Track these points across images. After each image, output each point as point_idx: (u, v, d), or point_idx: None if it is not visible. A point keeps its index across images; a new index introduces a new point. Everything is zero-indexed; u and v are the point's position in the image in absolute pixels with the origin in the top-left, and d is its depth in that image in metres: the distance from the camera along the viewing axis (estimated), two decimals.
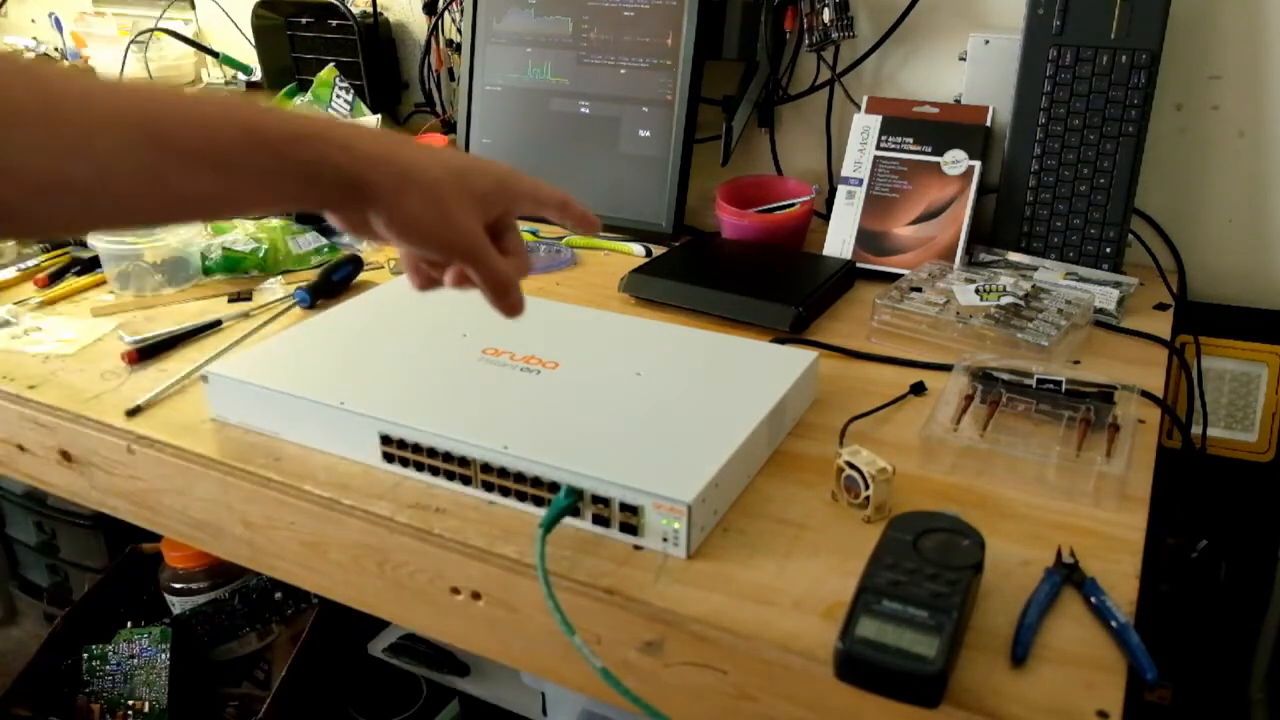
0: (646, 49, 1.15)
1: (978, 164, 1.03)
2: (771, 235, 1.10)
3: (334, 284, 1.00)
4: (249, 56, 1.50)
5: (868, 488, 0.62)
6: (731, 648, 0.54)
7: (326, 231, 1.11)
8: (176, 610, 1.29)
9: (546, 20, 1.20)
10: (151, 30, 1.53)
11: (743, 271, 1.03)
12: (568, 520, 0.62)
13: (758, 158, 1.25)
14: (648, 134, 1.16)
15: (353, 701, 1.26)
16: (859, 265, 1.03)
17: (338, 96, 1.33)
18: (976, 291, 0.90)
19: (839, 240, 1.06)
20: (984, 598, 0.55)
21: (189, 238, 1.03)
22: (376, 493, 0.67)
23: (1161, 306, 0.97)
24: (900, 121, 1.07)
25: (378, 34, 1.40)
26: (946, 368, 0.80)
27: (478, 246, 0.55)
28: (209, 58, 1.58)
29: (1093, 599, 0.55)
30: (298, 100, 1.33)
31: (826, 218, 1.09)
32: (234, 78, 1.54)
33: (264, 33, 1.42)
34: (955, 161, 1.04)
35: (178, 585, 1.28)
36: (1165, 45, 0.95)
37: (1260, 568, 1.08)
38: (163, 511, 0.77)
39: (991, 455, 0.68)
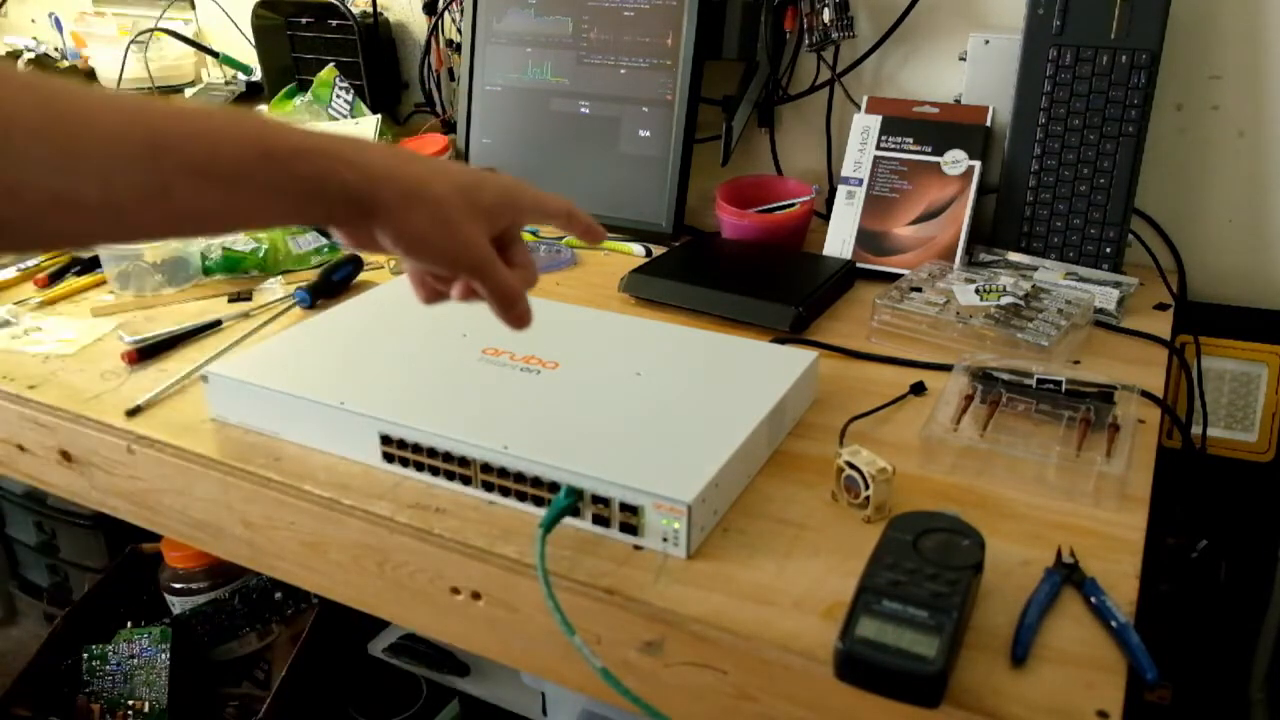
0: (646, 49, 1.15)
1: (978, 164, 1.03)
2: (771, 235, 1.10)
3: (334, 284, 1.00)
4: (249, 56, 1.50)
5: (868, 488, 0.62)
6: (731, 648, 0.54)
7: (326, 232, 1.11)
8: (176, 610, 1.29)
9: (546, 20, 1.20)
10: (151, 30, 1.53)
11: (743, 271, 1.03)
12: (568, 520, 0.62)
13: (758, 158, 1.25)
14: (648, 134, 1.16)
15: (353, 701, 1.26)
16: (859, 265, 1.03)
17: (338, 96, 1.33)
18: (976, 291, 0.90)
19: (839, 240, 1.06)
20: (984, 598, 0.55)
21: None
22: (376, 493, 0.67)
23: (1161, 306, 0.97)
24: (900, 121, 1.07)
25: (378, 34, 1.40)
26: (946, 368, 0.80)
27: (484, 261, 0.55)
28: (209, 58, 1.58)
29: (1093, 599, 0.55)
30: (298, 100, 1.33)
31: (826, 218, 1.09)
32: (234, 78, 1.54)
33: (264, 33, 1.42)
34: (955, 161, 1.04)
35: (178, 585, 1.28)
36: (1165, 45, 0.95)
37: (1260, 568, 1.08)
38: (163, 511, 0.77)
39: (991, 455, 0.68)
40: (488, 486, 0.65)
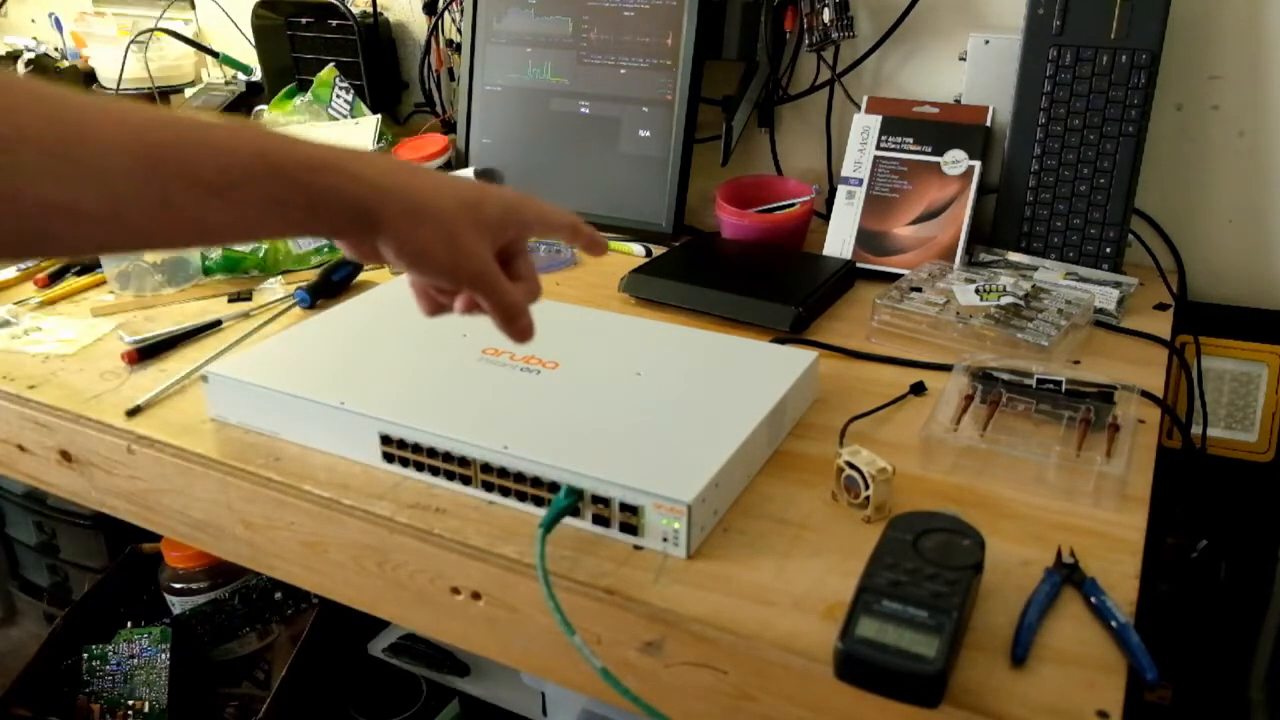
0: (646, 49, 1.15)
1: (978, 164, 1.03)
2: (771, 235, 1.10)
3: (334, 284, 1.00)
4: (249, 56, 1.50)
5: (868, 488, 0.62)
6: (731, 648, 0.54)
7: None
8: (176, 610, 1.29)
9: (546, 20, 1.20)
10: (151, 30, 1.53)
11: (743, 271, 1.03)
12: (568, 520, 0.62)
13: (758, 158, 1.25)
14: (648, 134, 1.16)
15: (353, 701, 1.26)
16: (859, 265, 1.03)
17: (338, 96, 1.33)
18: (976, 291, 0.90)
19: (839, 240, 1.06)
20: (984, 598, 0.55)
21: None
22: (376, 493, 0.67)
23: (1161, 306, 0.97)
24: (900, 121, 1.07)
25: (378, 34, 1.40)
26: (946, 368, 0.80)
27: (488, 275, 0.55)
28: (209, 58, 1.58)
29: (1093, 599, 0.55)
30: (298, 100, 1.33)
31: (826, 218, 1.09)
32: (234, 78, 1.54)
33: (264, 33, 1.42)
34: (955, 161, 1.04)
35: (178, 585, 1.29)
36: (1165, 45, 0.95)
37: (1260, 568, 1.08)
38: (163, 511, 0.77)
39: (991, 455, 0.68)
40: (488, 486, 0.65)
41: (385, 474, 0.69)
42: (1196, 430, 1.06)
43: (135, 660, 1.24)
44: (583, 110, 1.20)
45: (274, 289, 1.02)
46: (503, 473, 0.64)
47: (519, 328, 0.57)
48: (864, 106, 1.10)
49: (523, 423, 0.67)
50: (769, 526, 0.62)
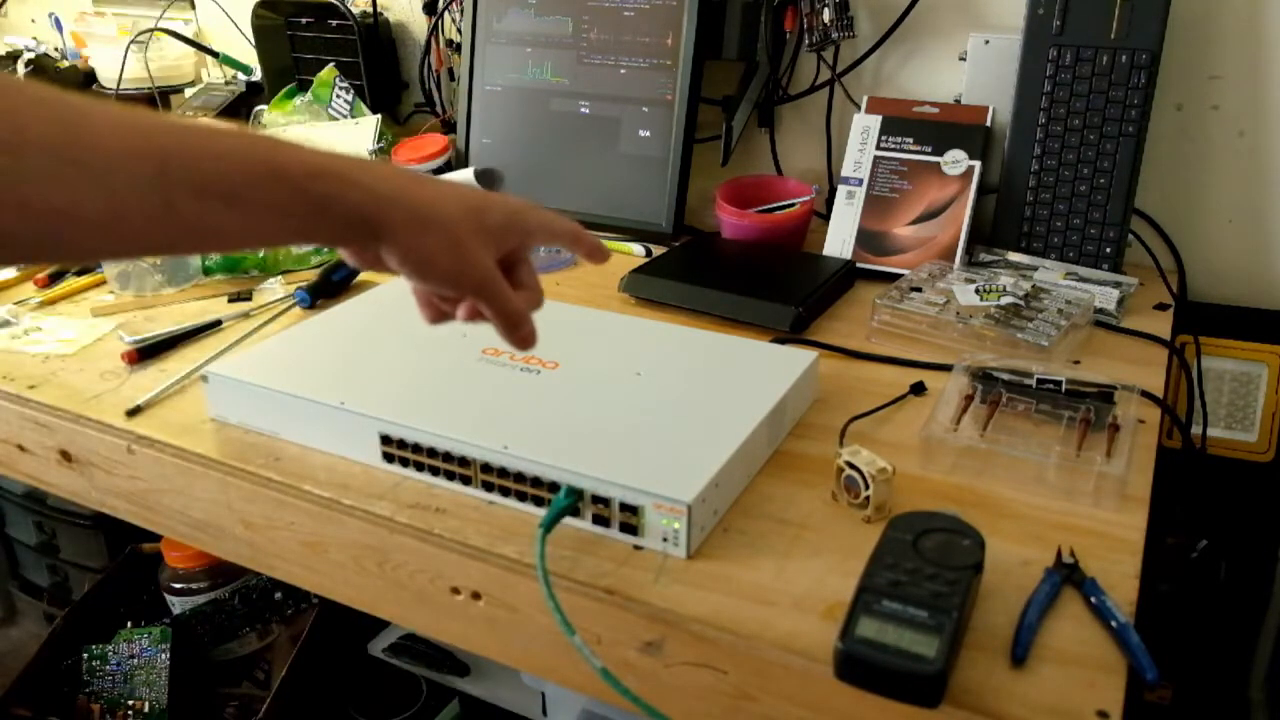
0: (646, 49, 1.15)
1: (978, 164, 1.03)
2: (771, 235, 1.10)
3: (334, 284, 1.00)
4: (249, 56, 1.50)
5: (868, 488, 0.62)
6: (731, 648, 0.54)
7: None
8: (176, 610, 1.29)
9: (546, 20, 1.20)
10: (151, 30, 1.53)
11: (743, 271, 1.03)
12: (568, 520, 0.62)
13: (758, 158, 1.25)
14: (648, 134, 1.16)
15: (353, 701, 1.26)
16: (859, 265, 1.03)
17: (338, 96, 1.33)
18: (976, 291, 0.90)
19: (839, 240, 1.06)
20: (984, 598, 0.55)
21: None
22: (376, 493, 0.67)
23: (1161, 306, 0.97)
24: (900, 121, 1.07)
25: (378, 34, 1.40)
26: (946, 368, 0.80)
27: (491, 283, 0.55)
28: (209, 58, 1.58)
29: (1093, 599, 0.55)
30: (298, 100, 1.33)
31: (826, 218, 1.09)
32: (234, 78, 1.54)
33: (264, 33, 1.42)
34: (955, 161, 1.04)
35: (178, 585, 1.29)
36: (1165, 45, 0.95)
37: (1260, 568, 1.08)
38: (163, 511, 0.77)
39: (991, 455, 0.68)
40: (488, 486, 0.65)
41: (385, 474, 0.69)
42: (1196, 430, 1.06)
43: (135, 660, 1.24)
44: (583, 110, 1.20)
45: (274, 289, 1.02)
46: (503, 473, 0.64)
47: (521, 335, 0.57)
48: (864, 106, 1.10)
49: (523, 423, 0.67)
50: (769, 526, 0.62)
